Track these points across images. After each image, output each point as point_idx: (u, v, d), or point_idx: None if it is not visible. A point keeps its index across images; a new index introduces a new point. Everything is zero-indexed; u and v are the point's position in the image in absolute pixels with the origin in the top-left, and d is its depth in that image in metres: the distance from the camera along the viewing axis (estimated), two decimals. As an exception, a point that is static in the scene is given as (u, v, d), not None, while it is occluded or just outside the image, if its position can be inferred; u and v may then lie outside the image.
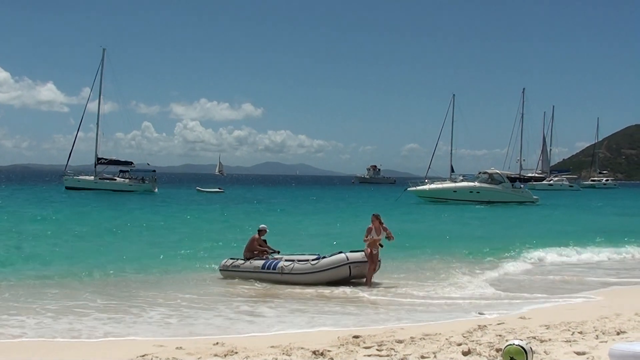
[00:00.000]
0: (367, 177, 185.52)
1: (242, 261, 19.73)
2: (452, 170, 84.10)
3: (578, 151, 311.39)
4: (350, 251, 18.95)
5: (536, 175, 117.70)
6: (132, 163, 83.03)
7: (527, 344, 8.33)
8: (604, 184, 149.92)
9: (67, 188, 79.74)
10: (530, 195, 71.17)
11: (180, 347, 10.32)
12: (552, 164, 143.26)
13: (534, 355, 8.26)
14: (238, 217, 44.57)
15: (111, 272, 19.94)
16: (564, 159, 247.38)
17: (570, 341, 9.56)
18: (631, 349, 3.32)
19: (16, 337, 11.81)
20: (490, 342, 9.56)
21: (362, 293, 17.33)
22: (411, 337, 10.43)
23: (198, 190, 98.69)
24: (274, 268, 19.04)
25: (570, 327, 11.06)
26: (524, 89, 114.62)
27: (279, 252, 20.17)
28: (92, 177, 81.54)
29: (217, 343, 10.66)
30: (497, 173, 71.54)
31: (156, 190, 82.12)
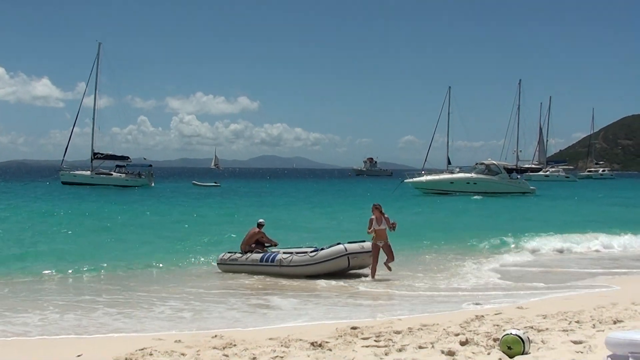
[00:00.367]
0: (364, 169, 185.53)
1: (240, 254, 19.76)
2: (449, 162, 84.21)
3: (574, 142, 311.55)
4: (349, 242, 18.99)
5: (533, 166, 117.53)
6: (128, 158, 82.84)
7: (524, 333, 8.37)
8: (601, 175, 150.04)
9: (64, 183, 79.64)
10: (527, 186, 71.26)
11: (179, 341, 10.35)
12: (548, 155, 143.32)
13: (531, 344, 8.30)
14: (234, 211, 44.54)
15: (107, 267, 19.90)
16: (560, 150, 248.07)
17: (567, 330, 9.59)
18: (627, 336, 3.34)
19: (20, 335, 11.83)
20: (488, 332, 9.59)
21: (361, 285, 17.38)
22: (409, 328, 10.46)
23: (194, 184, 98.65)
24: (273, 261, 19.04)
25: (567, 316, 11.10)
26: (520, 80, 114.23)
27: (277, 245, 20.22)
28: (89, 172, 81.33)
29: (215, 336, 10.69)
30: (494, 164, 71.54)
31: (153, 184, 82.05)
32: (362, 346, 9.12)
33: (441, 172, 77.07)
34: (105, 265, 20.09)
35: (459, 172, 73.45)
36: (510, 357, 7.88)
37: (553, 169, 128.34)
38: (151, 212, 43.07)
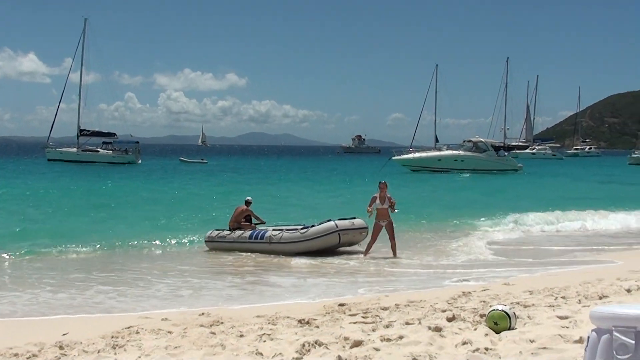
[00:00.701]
0: (353, 146, 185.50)
1: (228, 232, 19.69)
2: (437, 140, 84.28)
3: (561, 120, 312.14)
4: (339, 219, 19.00)
5: (520, 143, 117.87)
6: (115, 134, 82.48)
7: (510, 309, 8.40)
8: (587, 153, 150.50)
9: (50, 160, 79.26)
10: (515, 164, 71.44)
11: (166, 319, 10.34)
12: (535, 132, 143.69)
13: (518, 320, 8.34)
14: (222, 189, 44.47)
15: (97, 246, 19.72)
16: (547, 128, 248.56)
17: (553, 306, 9.64)
18: (611, 310, 3.36)
19: (7, 315, 11.83)
20: (475, 308, 9.63)
21: (350, 262, 17.43)
22: (396, 304, 10.49)
23: (181, 160, 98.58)
24: (262, 238, 18.97)
25: (553, 292, 11.16)
26: (507, 58, 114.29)
27: (264, 223, 20.19)
28: (75, 149, 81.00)
29: (203, 314, 10.70)
30: (482, 141, 71.64)
31: (140, 161, 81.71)
32: (350, 322, 9.15)
33: (429, 149, 77.11)
34: (95, 244, 19.91)
35: (446, 149, 73.51)
36: (497, 333, 7.92)
37: (540, 147, 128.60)
38: (138, 189, 42.93)
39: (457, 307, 10.01)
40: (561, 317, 8.60)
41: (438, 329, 8.13)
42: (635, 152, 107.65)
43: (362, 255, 18.18)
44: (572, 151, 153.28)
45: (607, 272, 14.39)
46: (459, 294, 11.44)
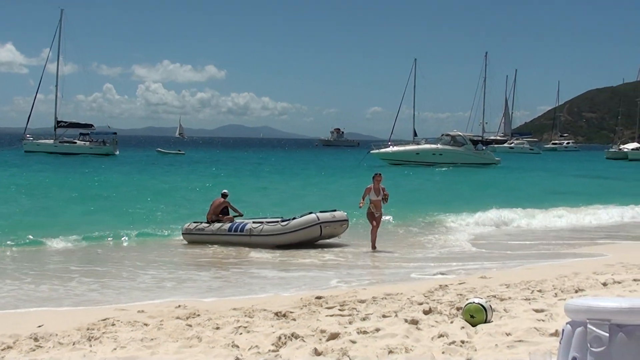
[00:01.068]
0: (331, 140, 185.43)
1: (207, 224, 19.56)
2: (415, 134, 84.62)
3: (540, 114, 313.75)
4: (320, 211, 19.00)
5: (498, 138, 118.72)
6: (92, 125, 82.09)
7: (487, 302, 8.43)
8: (565, 147, 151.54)
9: (27, 152, 78.66)
10: (492, 157, 71.82)
11: (142, 311, 10.30)
12: (513, 127, 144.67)
13: (494, 313, 8.37)
14: (198, 180, 44.33)
15: (74, 237, 19.56)
16: (525, 122, 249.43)
17: (529, 299, 9.69)
18: (585, 303, 3.37)
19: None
20: (451, 301, 9.66)
21: (328, 254, 17.44)
22: (373, 297, 10.50)
23: (159, 151, 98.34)
24: (242, 230, 18.85)
25: (529, 285, 11.21)
26: (486, 52, 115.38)
27: (242, 215, 20.11)
28: (52, 140, 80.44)
29: (179, 306, 10.66)
30: (460, 135, 71.93)
31: (117, 152, 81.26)
32: (327, 315, 9.14)
33: (407, 143, 77.29)
34: (70, 236, 19.74)
35: (425, 143, 73.70)
36: (473, 326, 7.94)
37: (518, 141, 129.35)
38: (116, 180, 42.68)
39: (434, 300, 10.04)
40: (537, 310, 8.64)
41: (414, 322, 8.14)
42: (613, 147, 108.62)
43: (338, 249, 18.18)
44: (550, 145, 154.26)
45: (583, 266, 14.48)
46: (436, 287, 11.47)
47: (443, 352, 6.90)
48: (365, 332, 7.79)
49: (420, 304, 9.59)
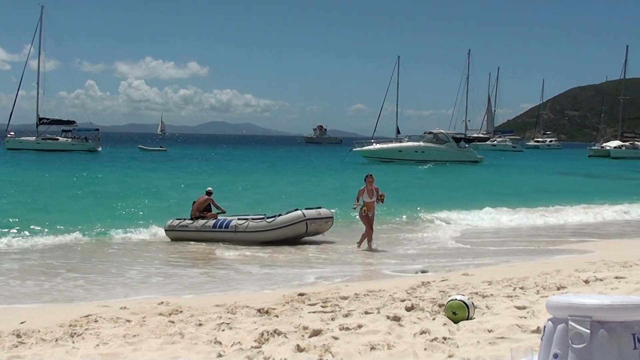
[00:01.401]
0: (314, 137, 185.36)
1: (190, 221, 19.46)
2: (398, 132, 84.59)
3: (522, 112, 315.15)
4: (306, 208, 19.03)
5: (480, 135, 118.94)
6: (74, 122, 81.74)
7: (469, 299, 8.46)
8: (548, 145, 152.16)
9: (9, 149, 78.24)
10: (475, 155, 72.08)
11: (125, 307, 10.29)
12: (496, 124, 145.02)
13: (476, 310, 8.40)
14: (181, 177, 44.22)
15: (57, 235, 19.43)
16: (508, 120, 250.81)
17: (511, 296, 9.72)
18: (566, 300, 3.38)
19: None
20: (433, 298, 9.68)
21: (311, 252, 17.46)
22: (355, 294, 10.52)
23: (141, 148, 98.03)
24: (227, 227, 18.80)
25: (512, 283, 11.26)
26: (469, 50, 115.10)
27: (225, 212, 20.07)
28: (34, 137, 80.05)
29: (162, 302, 10.64)
30: (442, 133, 72.15)
31: (99, 149, 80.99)
32: (309, 312, 9.14)
33: (390, 140, 77.40)
34: (53, 233, 19.66)
35: (407, 141, 73.80)
36: (455, 322, 7.96)
37: (500, 139, 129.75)
38: (98, 178, 42.50)
39: (416, 296, 10.06)
40: (519, 307, 8.67)
41: (397, 319, 8.16)
42: (595, 145, 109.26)
43: (322, 245, 18.21)
44: (533, 143, 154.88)
45: (565, 264, 14.56)
46: (418, 284, 11.50)
47: (425, 349, 6.91)
48: (347, 329, 7.80)
49: (403, 300, 9.60)
